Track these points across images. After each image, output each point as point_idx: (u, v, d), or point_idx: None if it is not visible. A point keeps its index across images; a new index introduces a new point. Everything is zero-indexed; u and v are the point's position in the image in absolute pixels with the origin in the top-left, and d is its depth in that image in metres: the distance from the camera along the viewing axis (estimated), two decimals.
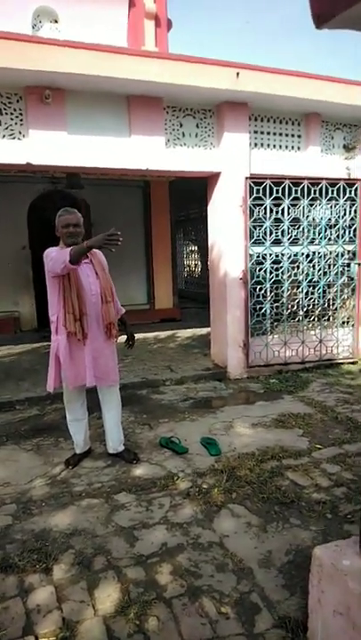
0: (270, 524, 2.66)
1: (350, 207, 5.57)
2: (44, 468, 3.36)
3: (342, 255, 5.65)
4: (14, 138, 4.43)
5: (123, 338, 3.51)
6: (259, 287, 5.36)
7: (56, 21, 7.67)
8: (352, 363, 5.81)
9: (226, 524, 2.68)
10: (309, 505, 2.82)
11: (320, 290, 5.64)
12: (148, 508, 2.84)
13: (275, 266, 5.38)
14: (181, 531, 2.61)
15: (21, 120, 4.44)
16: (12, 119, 4.41)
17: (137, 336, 3.42)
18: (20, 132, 4.44)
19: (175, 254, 9.52)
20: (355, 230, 5.63)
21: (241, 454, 3.46)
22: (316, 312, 5.73)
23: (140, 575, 2.27)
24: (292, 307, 5.60)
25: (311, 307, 5.70)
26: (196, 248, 14.42)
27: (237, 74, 4.59)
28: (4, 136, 4.39)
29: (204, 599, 2.12)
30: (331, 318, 5.83)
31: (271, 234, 5.27)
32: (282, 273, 5.39)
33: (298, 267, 5.56)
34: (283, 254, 5.36)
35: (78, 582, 2.24)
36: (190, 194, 10.88)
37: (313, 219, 5.49)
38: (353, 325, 5.86)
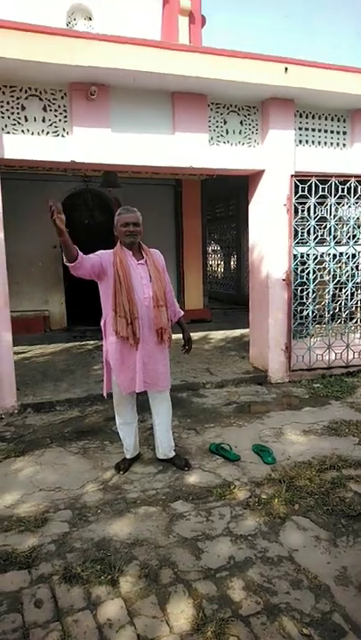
0: (340, 539, 2.53)
1: None
2: (95, 473, 3.27)
3: None
4: (58, 135, 4.37)
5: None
6: (301, 288, 5.21)
7: (90, 19, 7.63)
8: None
9: (293, 537, 2.55)
10: None
11: None
12: (208, 518, 2.73)
13: (318, 266, 5.23)
14: (247, 543, 2.50)
15: (65, 117, 4.37)
16: (56, 116, 4.35)
17: None
18: (64, 129, 4.38)
19: (206, 255, 9.40)
20: None
21: (297, 463, 3.33)
22: (359, 314, 5.56)
23: (212, 590, 2.16)
24: (335, 309, 5.44)
25: (355, 309, 5.53)
26: (219, 248, 14.30)
27: (286, 69, 4.46)
28: (47, 133, 4.33)
29: (284, 618, 2.00)
30: None
31: (315, 233, 5.12)
32: (327, 273, 5.23)
33: (341, 267, 5.40)
34: (329, 254, 5.20)
35: (148, 596, 2.13)
36: (218, 192, 10.77)
37: (358, 218, 5.31)
38: None
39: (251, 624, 1.98)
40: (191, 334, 3.47)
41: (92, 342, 7.34)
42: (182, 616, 2.02)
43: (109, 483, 3.15)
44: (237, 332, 7.71)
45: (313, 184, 4.99)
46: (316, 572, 2.28)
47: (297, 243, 5.08)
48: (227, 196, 11.92)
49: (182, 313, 3.40)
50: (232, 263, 13.20)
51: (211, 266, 14.70)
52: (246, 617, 2.01)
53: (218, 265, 14.45)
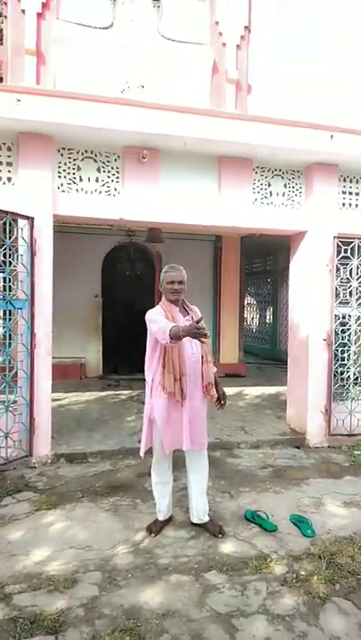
0: None
1: None
2: (126, 533, 3.18)
3: None
4: (110, 195, 4.60)
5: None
6: (342, 349, 5.11)
7: (142, 86, 8.20)
8: None
9: (334, 621, 2.37)
10: None
11: None
12: (243, 592, 2.58)
13: (360, 327, 5.14)
14: (284, 624, 2.33)
15: (118, 178, 4.62)
16: (108, 177, 4.61)
17: None
18: (115, 189, 4.62)
19: (243, 309, 9.42)
20: None
21: (338, 538, 3.14)
22: None
23: None
24: None
25: None
26: (255, 301, 14.34)
27: (331, 136, 4.61)
28: (100, 192, 4.58)
29: None
30: None
31: (358, 294, 5.07)
32: None
33: None
34: None
35: None
36: (257, 248, 10.91)
37: None
38: None
39: None
40: (225, 389, 3.42)
41: (125, 392, 7.34)
42: None
43: (140, 545, 3.05)
44: (273, 390, 7.56)
45: (356, 245, 5.01)
46: None
47: (339, 303, 5.03)
48: (265, 252, 12.06)
49: (215, 369, 3.36)
50: (268, 317, 13.16)
51: (245, 319, 14.69)
52: None
53: (253, 318, 14.43)
